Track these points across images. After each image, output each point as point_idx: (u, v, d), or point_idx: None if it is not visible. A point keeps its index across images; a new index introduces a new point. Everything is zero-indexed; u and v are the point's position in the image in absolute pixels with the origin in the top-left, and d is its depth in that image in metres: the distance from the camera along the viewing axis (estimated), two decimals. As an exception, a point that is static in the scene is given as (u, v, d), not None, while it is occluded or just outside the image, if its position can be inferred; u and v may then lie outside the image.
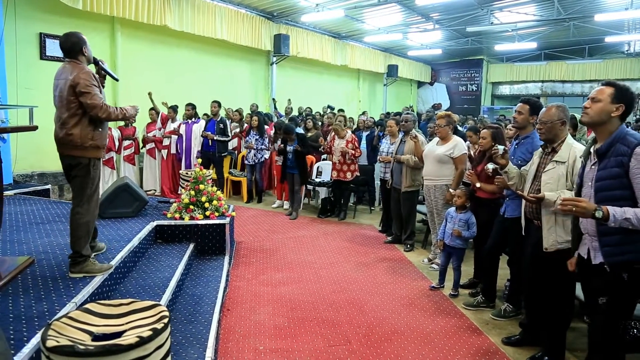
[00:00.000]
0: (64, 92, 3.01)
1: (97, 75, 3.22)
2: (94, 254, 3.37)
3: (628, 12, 10.80)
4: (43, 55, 7.40)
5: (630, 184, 2.23)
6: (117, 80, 3.71)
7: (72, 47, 3.12)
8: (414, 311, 3.90)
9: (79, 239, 3.08)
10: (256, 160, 8.13)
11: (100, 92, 3.15)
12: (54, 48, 7.51)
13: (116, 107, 3.19)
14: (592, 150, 2.46)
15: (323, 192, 7.79)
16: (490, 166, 3.57)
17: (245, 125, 8.74)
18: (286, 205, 7.84)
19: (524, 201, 3.13)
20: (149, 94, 8.18)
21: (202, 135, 7.84)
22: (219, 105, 7.99)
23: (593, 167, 2.41)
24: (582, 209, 2.23)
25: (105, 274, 3.17)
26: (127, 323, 1.81)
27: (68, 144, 3.04)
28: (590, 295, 2.57)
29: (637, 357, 3.07)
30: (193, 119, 8.25)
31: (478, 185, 4.07)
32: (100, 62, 3.40)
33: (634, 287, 2.32)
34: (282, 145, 7.33)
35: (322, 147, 7.23)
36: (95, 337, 1.71)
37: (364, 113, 12.56)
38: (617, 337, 2.39)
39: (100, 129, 3.14)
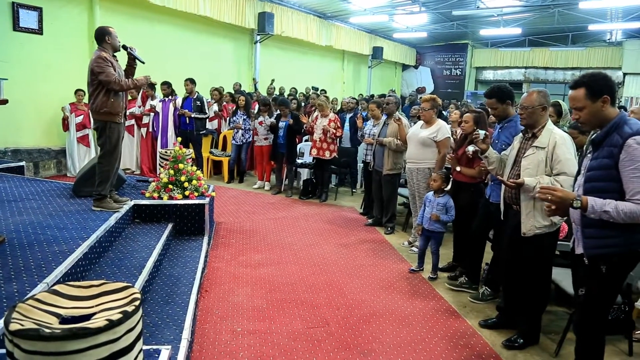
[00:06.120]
0: (89, 73, 3.87)
1: (111, 58, 3.92)
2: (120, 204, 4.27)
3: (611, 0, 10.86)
4: (16, 27, 7.09)
5: (618, 177, 2.16)
6: (143, 63, 4.19)
7: (98, 36, 3.98)
8: (393, 294, 3.91)
9: (101, 182, 4.05)
10: (244, 140, 8.03)
11: (115, 70, 3.90)
12: (28, 19, 7.20)
13: (128, 79, 4.01)
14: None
15: (305, 174, 7.75)
16: (471, 148, 3.57)
17: (231, 104, 8.59)
18: (267, 186, 7.79)
19: (503, 186, 3.14)
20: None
21: (178, 114, 7.68)
22: (193, 82, 7.78)
23: (589, 155, 2.34)
24: (559, 198, 2.19)
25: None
26: (97, 305, 1.75)
27: (92, 111, 3.96)
28: (575, 285, 2.59)
29: (616, 339, 3.16)
30: (170, 97, 8.05)
31: (458, 169, 4.08)
32: (129, 49, 4.12)
33: (612, 280, 2.30)
34: (274, 121, 7.26)
35: (305, 126, 7.17)
36: (63, 320, 1.65)
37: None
38: (596, 326, 2.36)
39: (112, 99, 3.91)
